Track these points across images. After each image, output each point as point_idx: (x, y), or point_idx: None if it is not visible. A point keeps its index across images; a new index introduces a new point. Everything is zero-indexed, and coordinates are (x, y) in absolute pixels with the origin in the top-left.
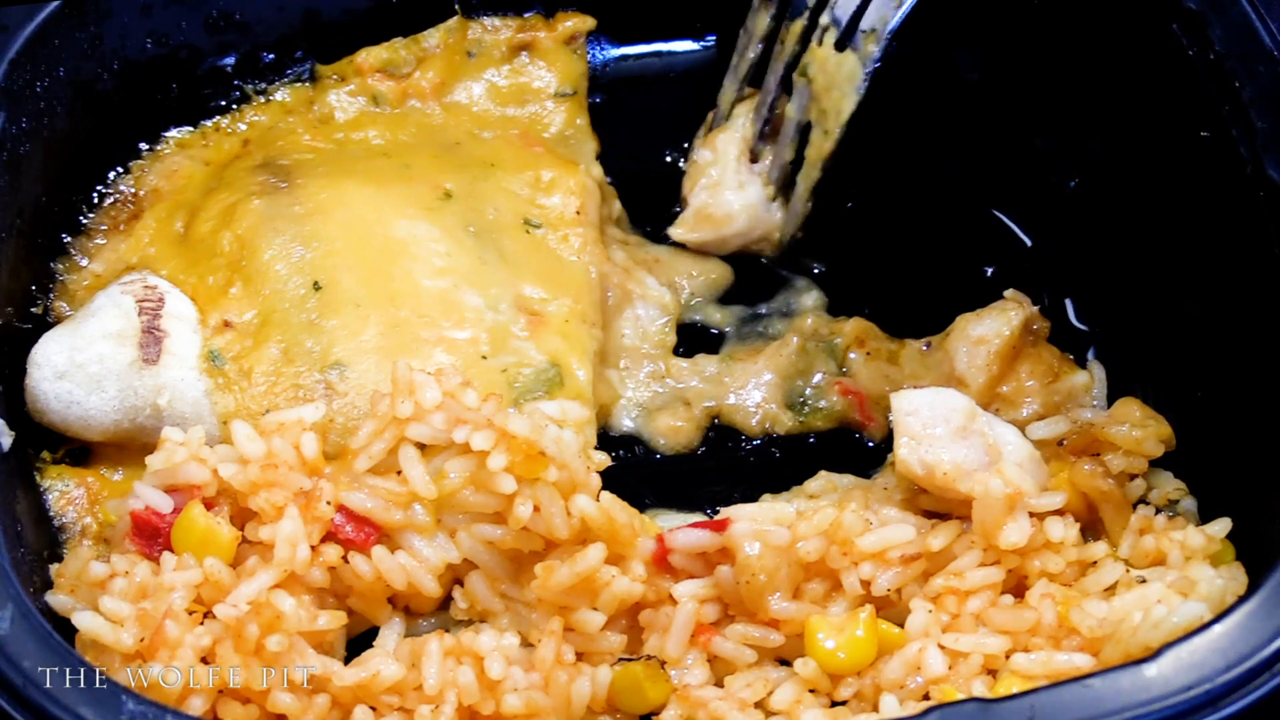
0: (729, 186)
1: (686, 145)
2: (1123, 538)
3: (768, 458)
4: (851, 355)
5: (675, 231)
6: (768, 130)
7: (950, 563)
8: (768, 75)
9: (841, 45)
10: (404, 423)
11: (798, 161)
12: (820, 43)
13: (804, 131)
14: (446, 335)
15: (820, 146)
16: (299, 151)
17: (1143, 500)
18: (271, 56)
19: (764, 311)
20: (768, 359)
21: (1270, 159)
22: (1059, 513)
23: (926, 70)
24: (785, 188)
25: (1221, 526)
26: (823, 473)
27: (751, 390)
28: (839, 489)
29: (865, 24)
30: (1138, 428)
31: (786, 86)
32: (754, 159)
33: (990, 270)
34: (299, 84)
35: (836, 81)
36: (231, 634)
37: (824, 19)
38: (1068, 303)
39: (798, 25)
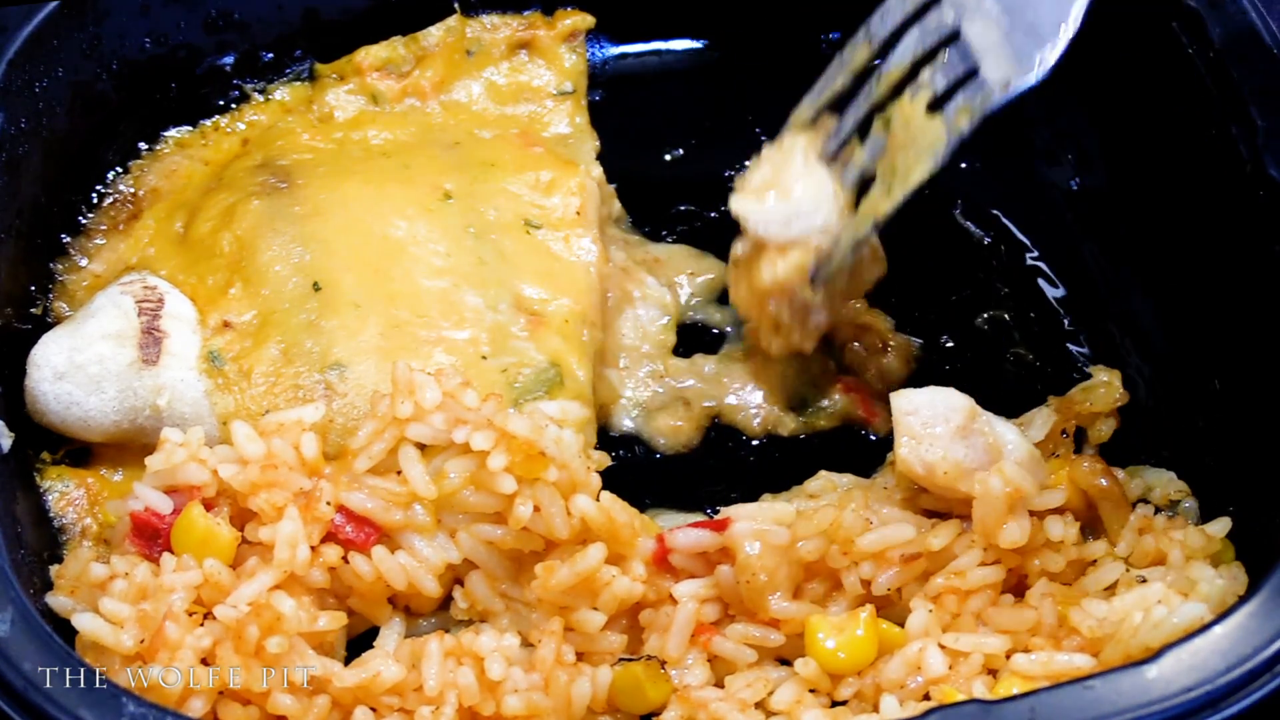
0: (794, 165)
1: (692, 143)
2: (1121, 536)
3: (768, 457)
4: (855, 344)
5: (734, 201)
6: (834, 160)
7: (950, 562)
8: (848, 109)
9: (934, 109)
10: (404, 423)
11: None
12: (913, 99)
13: (866, 184)
14: (446, 335)
15: (877, 203)
16: (298, 151)
17: (1143, 500)
18: (270, 56)
19: None
20: (768, 359)
21: (1270, 157)
22: (1059, 511)
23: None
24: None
25: (1221, 526)
26: (823, 472)
27: (752, 390)
28: (839, 489)
29: (962, 98)
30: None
31: (863, 132)
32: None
33: (990, 270)
34: (298, 83)
35: (916, 143)
36: (231, 635)
37: (924, 75)
38: (1065, 303)
39: (895, 73)
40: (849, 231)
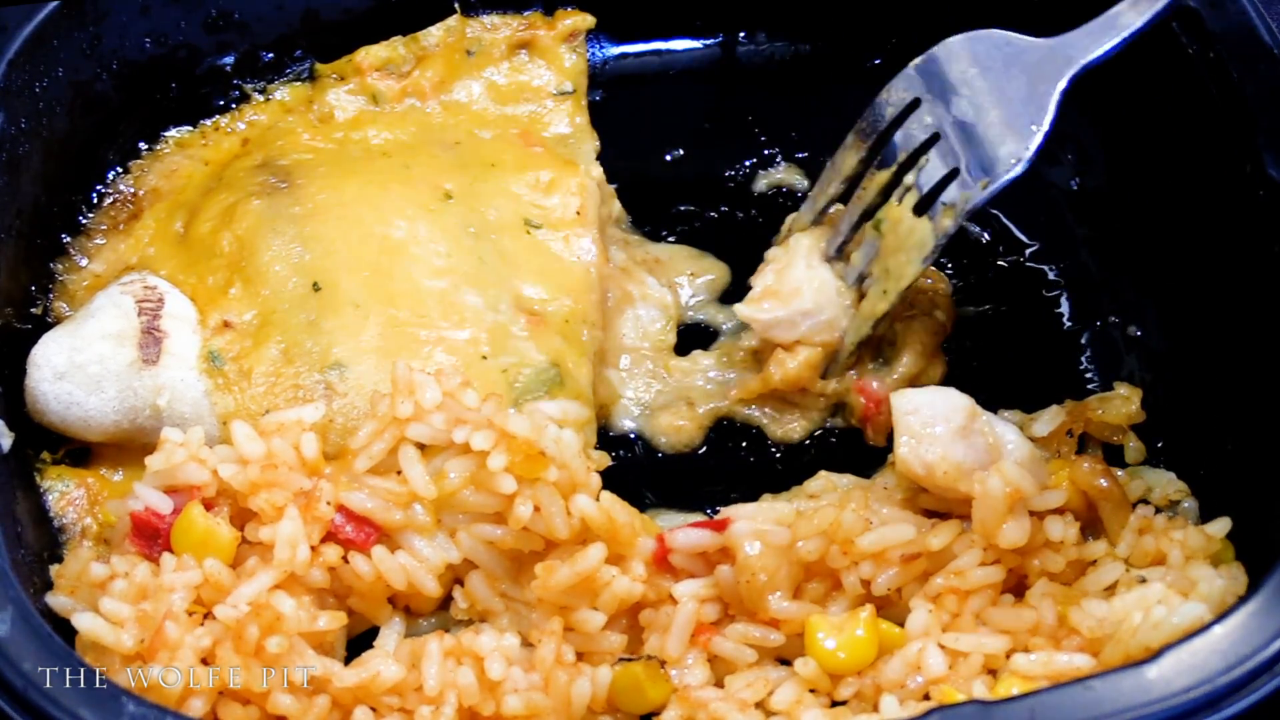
0: (797, 268)
1: (692, 143)
2: (1121, 536)
3: (768, 458)
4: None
5: (741, 309)
6: (836, 259)
7: (950, 562)
8: (845, 215)
9: (919, 211)
10: (404, 423)
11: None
12: (900, 201)
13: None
14: (446, 335)
15: (874, 304)
16: (299, 151)
17: (1143, 500)
18: (271, 56)
19: None
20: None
21: (1270, 157)
22: (1059, 511)
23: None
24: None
25: (1221, 526)
26: (823, 473)
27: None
28: (839, 489)
29: (946, 197)
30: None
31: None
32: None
33: (990, 270)
34: (298, 83)
35: (905, 245)
36: (231, 635)
37: (909, 178)
38: (1065, 302)
39: (883, 176)
40: (852, 332)
